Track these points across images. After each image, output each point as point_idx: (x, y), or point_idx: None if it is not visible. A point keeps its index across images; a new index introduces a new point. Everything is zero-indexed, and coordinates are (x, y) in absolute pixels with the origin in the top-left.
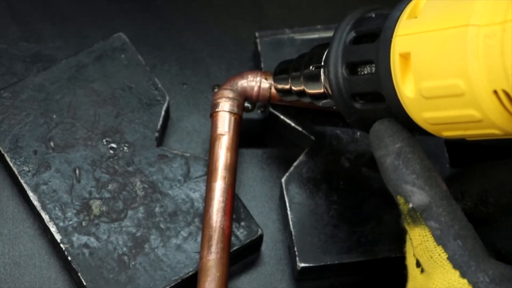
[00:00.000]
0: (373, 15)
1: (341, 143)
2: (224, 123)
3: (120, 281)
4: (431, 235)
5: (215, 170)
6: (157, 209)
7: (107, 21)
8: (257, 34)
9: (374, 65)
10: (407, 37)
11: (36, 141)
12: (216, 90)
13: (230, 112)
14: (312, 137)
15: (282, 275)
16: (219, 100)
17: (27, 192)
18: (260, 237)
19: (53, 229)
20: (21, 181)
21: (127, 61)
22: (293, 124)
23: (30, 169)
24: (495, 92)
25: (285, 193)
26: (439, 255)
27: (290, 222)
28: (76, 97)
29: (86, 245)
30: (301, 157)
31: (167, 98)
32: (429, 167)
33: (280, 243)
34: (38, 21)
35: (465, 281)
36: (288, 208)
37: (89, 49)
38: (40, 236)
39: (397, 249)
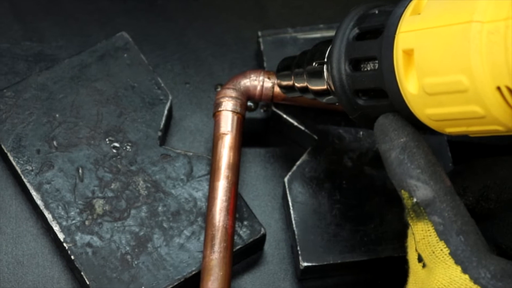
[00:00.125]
0: (376, 12)
1: (344, 142)
2: (227, 122)
3: (123, 280)
4: (434, 230)
5: (218, 169)
6: (160, 208)
7: (109, 20)
8: (259, 33)
9: (377, 61)
10: (411, 33)
11: (39, 140)
12: (218, 89)
13: (233, 112)
14: (315, 136)
15: (285, 274)
16: (222, 100)
17: (30, 191)
18: (263, 236)
19: (56, 228)
20: (24, 180)
21: (130, 60)
22: (296, 123)
23: (33, 168)
24: (498, 88)
25: (288, 192)
26: (441, 250)
27: (293, 221)
28: (79, 96)
29: (89, 244)
30: (304, 156)
31: (170, 97)
32: (433, 162)
33: (283, 242)
34: (40, 20)
35: (467, 276)
36: (291, 207)
37: (92, 49)
38: (43, 235)
39: (400, 248)
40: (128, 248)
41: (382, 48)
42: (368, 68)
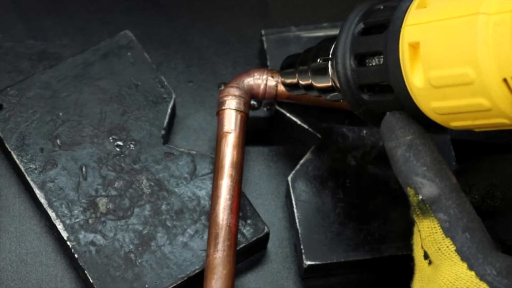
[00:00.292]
0: (382, 7)
1: (347, 141)
2: (231, 121)
3: (126, 279)
4: (439, 227)
5: (222, 168)
6: (163, 207)
7: (112, 19)
8: (263, 32)
9: (382, 56)
10: (417, 26)
11: (42, 138)
12: (222, 88)
13: (237, 110)
14: (318, 135)
15: (289, 273)
16: (225, 98)
17: (34, 190)
18: (267, 235)
19: (59, 226)
20: (28, 178)
21: (133, 59)
22: (299, 122)
23: (37, 166)
24: (505, 80)
25: (291, 191)
26: (447, 247)
27: (297, 220)
28: (83, 95)
29: (92, 243)
30: (307, 155)
31: (173, 95)
32: (439, 159)
33: (286, 241)
34: (44, 18)
35: (473, 273)
36: (295, 206)
37: (95, 47)
38: (47, 234)
39: (403, 247)
40: (131, 247)
41: (388, 42)
42: (373, 63)
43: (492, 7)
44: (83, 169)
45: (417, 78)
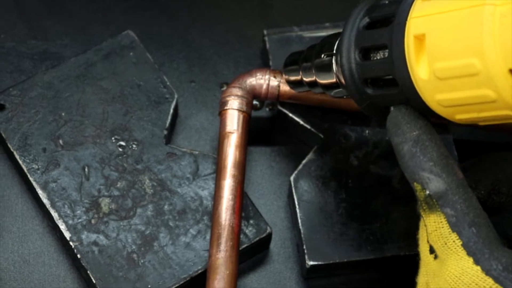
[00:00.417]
0: (387, 1)
1: (349, 141)
2: (233, 121)
3: (129, 279)
4: (446, 222)
5: (224, 168)
6: (166, 207)
7: (114, 19)
8: (265, 32)
9: (387, 50)
10: (422, 18)
11: (45, 138)
12: (224, 88)
13: (239, 110)
14: (321, 135)
15: (291, 273)
16: (227, 98)
17: (36, 190)
18: (269, 235)
19: (62, 227)
20: (30, 179)
21: (135, 59)
22: (301, 122)
23: (39, 167)
24: (511, 71)
25: (293, 191)
26: (454, 241)
27: (299, 220)
28: (85, 95)
29: (95, 243)
30: (310, 155)
31: (176, 95)
32: (446, 154)
33: (288, 241)
34: (45, 18)
35: (478, 268)
36: (297, 206)
37: (97, 47)
38: (49, 234)
39: (406, 247)
40: (134, 247)
41: (393, 34)
42: (378, 57)
43: None
44: (86, 169)
45: (422, 70)
